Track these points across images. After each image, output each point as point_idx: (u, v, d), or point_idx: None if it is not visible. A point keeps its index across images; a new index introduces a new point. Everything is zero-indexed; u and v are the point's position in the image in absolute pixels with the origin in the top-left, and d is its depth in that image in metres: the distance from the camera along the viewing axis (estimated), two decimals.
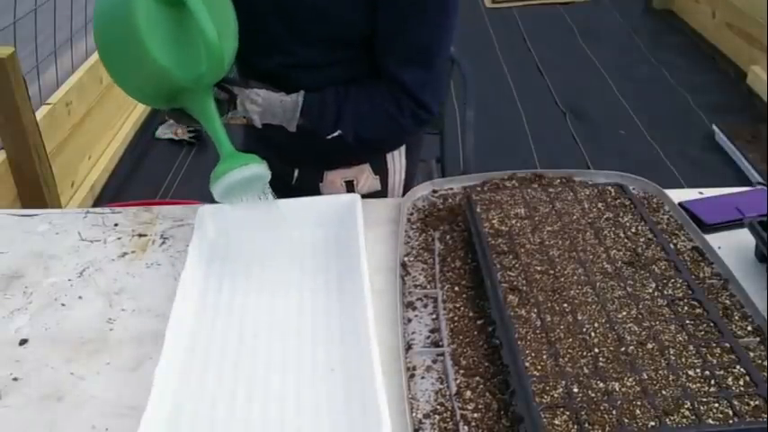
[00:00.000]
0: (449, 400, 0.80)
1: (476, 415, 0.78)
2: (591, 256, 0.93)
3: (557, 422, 0.70)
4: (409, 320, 0.92)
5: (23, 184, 2.07)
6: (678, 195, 1.12)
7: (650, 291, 0.87)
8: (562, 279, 0.89)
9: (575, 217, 1.01)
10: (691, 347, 0.78)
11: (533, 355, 0.78)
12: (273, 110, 1.11)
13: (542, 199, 1.06)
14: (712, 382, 0.74)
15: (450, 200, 1.15)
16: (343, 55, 1.13)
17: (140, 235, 1.12)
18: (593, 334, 0.80)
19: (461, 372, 0.83)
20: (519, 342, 0.80)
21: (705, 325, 0.82)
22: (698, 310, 0.84)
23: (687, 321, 0.82)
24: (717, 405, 0.71)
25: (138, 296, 0.99)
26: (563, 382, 0.74)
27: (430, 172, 1.79)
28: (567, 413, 0.71)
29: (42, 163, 2.07)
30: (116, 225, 1.14)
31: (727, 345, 0.78)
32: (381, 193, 1.32)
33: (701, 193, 1.16)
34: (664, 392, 0.73)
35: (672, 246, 0.96)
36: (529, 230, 0.99)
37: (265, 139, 1.25)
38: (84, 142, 2.60)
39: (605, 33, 4.11)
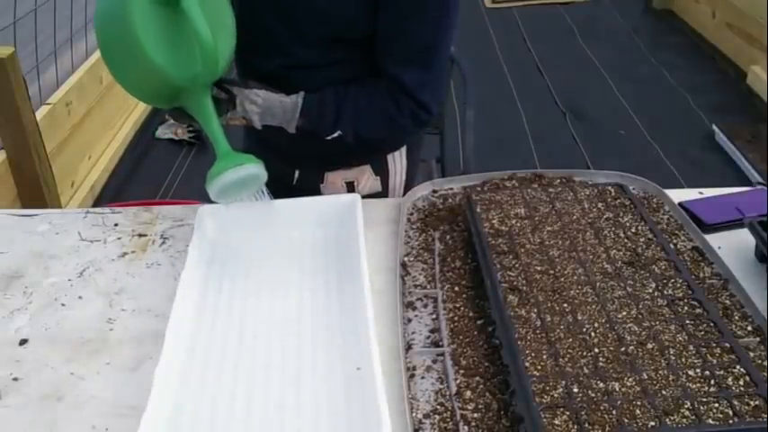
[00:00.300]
0: (449, 400, 0.80)
1: (476, 415, 0.78)
2: (591, 256, 0.93)
3: (557, 422, 0.70)
4: (409, 320, 0.92)
5: (23, 184, 2.07)
6: (678, 195, 1.12)
7: (650, 291, 0.87)
8: (562, 279, 0.89)
9: (575, 217, 1.01)
10: (691, 347, 0.78)
11: (533, 355, 0.78)
12: (273, 111, 1.11)
13: (542, 199, 1.06)
14: (712, 382, 0.74)
15: (450, 200, 1.15)
16: (342, 56, 1.13)
17: (140, 235, 1.12)
18: (593, 334, 0.80)
19: (461, 372, 0.83)
20: (519, 342, 0.80)
21: (705, 325, 0.82)
22: (698, 310, 0.84)
23: (687, 321, 0.82)
24: (717, 405, 0.71)
25: (138, 296, 0.99)
26: (563, 382, 0.74)
27: (430, 172, 1.79)
28: (567, 413, 0.71)
29: (42, 163, 2.07)
30: (116, 225, 1.14)
31: (727, 345, 0.78)
32: (382, 194, 1.32)
33: (700, 193, 1.16)
34: (664, 392, 0.73)
35: (672, 246, 0.96)
36: (529, 230, 0.99)
37: (266, 140, 1.25)
38: (84, 142, 2.60)
39: (605, 33, 4.11)
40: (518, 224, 1.00)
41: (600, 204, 1.04)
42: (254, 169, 0.97)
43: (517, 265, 0.92)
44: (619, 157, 2.86)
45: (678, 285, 0.88)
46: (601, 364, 0.76)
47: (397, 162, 1.31)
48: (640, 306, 0.84)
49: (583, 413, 0.71)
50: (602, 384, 0.74)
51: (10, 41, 2.03)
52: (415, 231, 1.08)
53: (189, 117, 1.02)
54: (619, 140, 3.03)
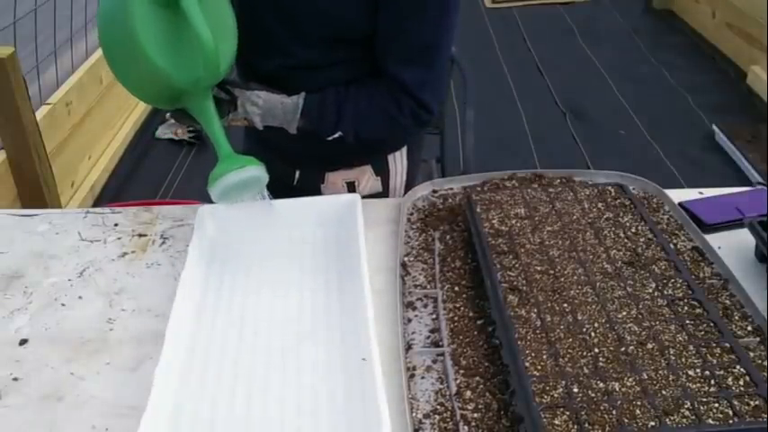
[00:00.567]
0: (449, 400, 0.80)
1: (476, 415, 0.78)
2: (591, 256, 0.93)
3: (557, 422, 0.70)
4: (409, 320, 0.92)
5: (23, 184, 2.07)
6: (678, 195, 1.12)
7: (650, 291, 0.87)
8: (562, 279, 0.89)
9: (575, 217, 1.01)
10: (691, 347, 0.78)
11: (533, 355, 0.78)
12: (274, 111, 1.11)
13: (542, 199, 1.06)
14: (712, 382, 0.74)
15: (450, 200, 1.15)
16: (343, 56, 1.13)
17: (140, 235, 1.12)
18: (593, 334, 0.80)
19: (461, 372, 0.83)
20: (519, 342, 0.80)
21: (705, 325, 0.82)
22: (698, 310, 0.84)
23: (687, 321, 0.82)
24: (717, 405, 0.71)
25: (138, 296, 0.99)
26: (563, 382, 0.74)
27: (430, 172, 1.79)
28: (567, 413, 0.71)
29: (42, 163, 2.07)
30: (116, 225, 1.14)
31: (727, 345, 0.78)
32: (383, 194, 1.32)
33: (701, 193, 1.16)
34: (664, 392, 0.73)
35: (672, 246, 0.96)
36: (529, 230, 0.99)
37: (266, 140, 1.25)
38: (84, 142, 2.60)
39: (605, 33, 4.11)
40: (518, 224, 1.00)
41: (600, 204, 1.04)
42: (256, 171, 0.98)
43: (517, 265, 0.92)
44: (619, 157, 2.86)
45: (678, 285, 0.88)
46: (601, 364, 0.76)
47: (398, 162, 1.31)
48: (640, 306, 0.84)
49: (583, 413, 0.71)
50: (602, 384, 0.74)
51: (10, 41, 2.03)
52: (415, 231, 1.08)
53: (191, 118, 1.03)
54: (619, 140, 3.03)
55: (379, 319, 0.88)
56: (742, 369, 0.75)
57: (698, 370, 0.75)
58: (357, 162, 1.28)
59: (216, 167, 0.97)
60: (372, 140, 1.19)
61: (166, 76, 0.93)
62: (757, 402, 0.71)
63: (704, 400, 0.72)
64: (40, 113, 2.23)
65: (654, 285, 0.88)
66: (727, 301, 0.87)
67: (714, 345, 0.79)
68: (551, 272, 0.90)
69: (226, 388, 0.84)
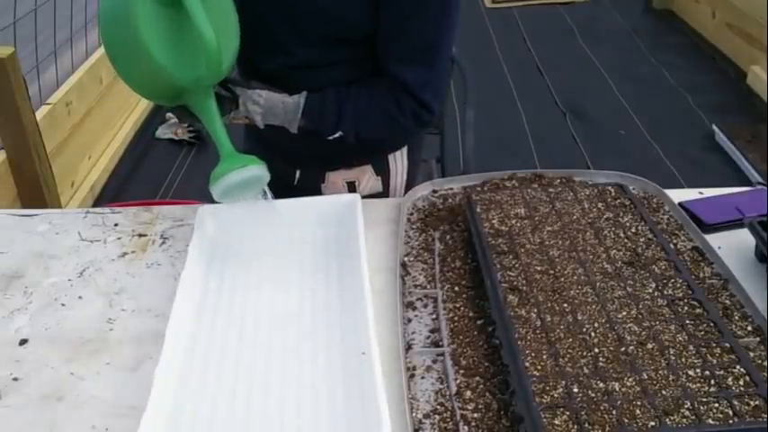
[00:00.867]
0: (449, 400, 0.80)
1: (476, 415, 0.78)
2: (591, 256, 0.93)
3: (557, 422, 0.70)
4: (409, 320, 0.92)
5: (23, 184, 2.07)
6: (678, 195, 1.12)
7: (650, 291, 0.87)
8: (562, 279, 0.89)
9: (575, 217, 1.01)
10: (691, 347, 0.78)
11: (533, 355, 0.78)
12: (275, 111, 1.11)
13: (542, 199, 1.06)
14: (712, 382, 0.74)
15: (450, 200, 1.15)
16: (344, 55, 1.13)
17: (140, 235, 1.12)
18: (593, 334, 0.80)
19: (461, 372, 0.83)
20: (519, 342, 0.80)
21: (705, 325, 0.82)
22: (698, 310, 0.84)
23: (687, 321, 0.82)
24: (717, 405, 0.71)
25: (138, 296, 0.99)
26: (563, 382, 0.74)
27: (430, 172, 1.79)
28: (567, 413, 0.71)
29: (42, 163, 2.07)
30: (116, 225, 1.14)
31: (727, 345, 0.78)
32: (383, 194, 1.32)
33: (700, 193, 1.16)
34: (664, 392, 0.73)
35: (672, 246, 0.96)
36: (529, 230, 0.99)
37: (267, 139, 1.25)
38: (84, 142, 2.60)
39: (605, 33, 4.11)
40: (518, 224, 1.00)
41: (600, 204, 1.04)
42: (258, 171, 0.98)
43: (517, 265, 0.92)
44: (619, 157, 2.86)
45: (678, 285, 0.88)
46: (601, 364, 0.76)
47: (399, 162, 1.31)
48: (640, 306, 0.84)
49: (583, 413, 0.71)
50: (602, 384, 0.74)
51: (10, 41, 2.03)
52: (415, 231, 1.08)
53: (192, 116, 1.03)
54: (619, 140, 3.03)
55: (379, 319, 0.88)
56: (742, 369, 0.75)
57: (698, 370, 0.75)
58: (357, 162, 1.28)
59: (218, 166, 0.98)
60: (373, 140, 1.19)
61: (168, 74, 0.93)
62: (757, 402, 0.71)
63: (704, 400, 0.72)
64: (40, 113, 2.23)
65: (654, 285, 0.88)
66: (727, 301, 0.87)
67: (714, 345, 0.79)
68: (551, 272, 0.90)
69: (226, 388, 0.84)
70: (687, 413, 0.70)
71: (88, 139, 2.65)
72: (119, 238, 1.11)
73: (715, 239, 0.99)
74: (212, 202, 1.03)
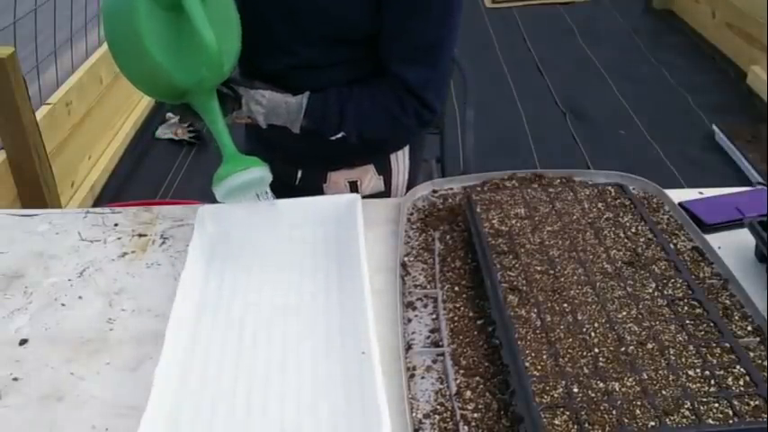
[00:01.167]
0: (449, 400, 0.80)
1: (476, 415, 0.78)
2: (591, 256, 0.93)
3: (557, 422, 0.70)
4: (409, 320, 0.92)
5: (23, 184, 2.07)
6: (678, 195, 1.12)
7: (650, 291, 0.87)
8: (562, 279, 0.89)
9: (575, 217, 1.01)
10: (691, 347, 0.78)
11: (533, 355, 0.78)
12: (278, 111, 1.11)
13: (542, 199, 1.06)
14: (712, 382, 0.74)
15: (450, 200, 1.15)
16: (346, 55, 1.13)
17: (140, 235, 1.12)
18: (593, 334, 0.80)
19: (461, 372, 0.83)
20: (519, 342, 0.80)
21: (705, 325, 0.82)
22: (698, 310, 0.84)
23: (687, 321, 0.82)
24: (717, 405, 0.71)
25: (138, 296, 0.99)
26: (563, 382, 0.74)
27: (430, 172, 1.79)
28: (567, 413, 0.71)
29: (42, 163, 2.07)
30: (116, 225, 1.14)
31: (727, 345, 0.78)
32: (385, 193, 1.32)
33: (701, 193, 1.16)
34: (664, 392, 0.73)
35: (672, 246, 0.96)
36: (529, 230, 0.99)
37: (268, 139, 1.25)
38: (84, 142, 2.60)
39: (605, 33, 4.11)
40: (518, 224, 1.00)
41: (600, 204, 1.04)
42: (260, 172, 0.99)
43: (517, 265, 0.92)
44: (619, 157, 2.86)
45: (678, 285, 0.88)
46: (601, 364, 0.76)
47: (400, 161, 1.31)
48: (640, 306, 0.84)
49: (583, 413, 0.71)
50: (602, 384, 0.74)
51: (10, 41, 2.03)
52: (415, 231, 1.08)
53: (195, 115, 1.03)
54: (619, 140, 3.03)
55: (379, 318, 0.88)
56: (742, 369, 0.75)
57: (698, 370, 0.75)
58: (359, 161, 1.28)
59: (220, 168, 0.98)
60: (375, 140, 1.19)
61: (170, 75, 0.94)
62: (757, 402, 0.71)
63: (704, 400, 0.72)
64: (40, 113, 2.22)
65: (654, 285, 0.88)
66: (727, 301, 0.87)
67: (714, 345, 0.79)
68: (551, 272, 0.90)
69: (226, 388, 0.84)
70: (687, 413, 0.70)
71: (88, 139, 2.65)
72: (119, 238, 1.11)
73: (715, 239, 0.99)
74: (212, 202, 1.03)
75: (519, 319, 0.83)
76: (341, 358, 0.86)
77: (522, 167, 1.19)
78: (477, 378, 0.82)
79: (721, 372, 0.75)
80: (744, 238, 1.01)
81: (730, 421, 0.69)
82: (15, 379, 0.87)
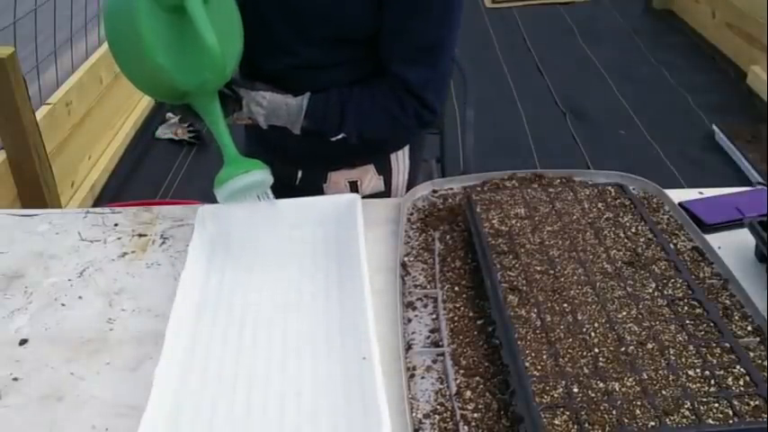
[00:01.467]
0: (449, 400, 0.80)
1: (476, 415, 0.78)
2: (591, 256, 0.93)
3: (557, 422, 0.70)
4: (409, 320, 0.92)
5: (23, 184, 2.07)
6: (678, 195, 1.12)
7: (650, 291, 0.87)
8: (562, 279, 0.89)
9: (575, 217, 1.01)
10: (691, 347, 0.78)
11: (533, 355, 0.78)
12: (278, 112, 1.11)
13: (542, 199, 1.06)
14: (712, 382, 0.74)
15: (450, 200, 1.15)
16: (347, 55, 1.13)
17: (140, 235, 1.12)
18: (593, 334, 0.80)
19: (461, 372, 0.83)
20: (519, 342, 0.80)
21: (705, 325, 0.82)
22: (698, 310, 0.84)
23: (687, 321, 0.82)
24: (717, 405, 0.71)
25: (138, 296, 0.99)
26: (563, 382, 0.74)
27: (430, 172, 1.79)
28: (567, 413, 0.71)
29: (42, 163, 2.07)
30: (116, 225, 1.14)
31: (727, 345, 0.78)
32: (385, 193, 1.32)
33: (700, 193, 1.16)
34: (664, 392, 0.73)
35: (672, 246, 0.96)
36: (529, 230, 0.99)
37: (268, 140, 1.25)
38: (84, 142, 2.60)
39: (605, 33, 4.11)
40: (518, 224, 1.00)
41: (600, 204, 1.04)
42: (262, 175, 1.00)
43: (517, 265, 0.92)
44: (619, 157, 2.86)
45: (678, 285, 0.88)
46: (601, 364, 0.76)
47: (401, 161, 1.31)
48: (640, 306, 0.84)
49: (583, 413, 0.71)
50: (602, 384, 0.74)
51: (10, 41, 2.03)
52: (415, 231, 1.08)
53: (196, 116, 1.03)
54: (619, 140, 3.03)
55: (379, 319, 0.88)
56: (742, 369, 0.75)
57: (698, 370, 0.75)
58: (360, 162, 1.28)
59: (222, 171, 0.99)
60: (375, 140, 1.19)
61: (172, 78, 0.94)
62: (757, 402, 0.71)
63: (704, 400, 0.72)
64: (40, 113, 2.23)
65: (654, 285, 0.88)
66: (727, 301, 0.86)
67: (714, 345, 0.79)
68: (551, 272, 0.90)
69: (226, 388, 0.84)
70: (687, 413, 0.70)
71: (88, 139, 2.65)
72: (119, 238, 1.11)
73: (715, 239, 0.99)
74: (212, 201, 1.03)
75: (519, 319, 0.83)
76: (341, 358, 0.86)
77: (522, 167, 1.19)
78: (477, 378, 0.82)
79: (721, 372, 0.75)
80: (744, 238, 1.01)
81: (730, 421, 0.69)
82: (15, 379, 0.87)
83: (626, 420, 0.70)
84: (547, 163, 2.81)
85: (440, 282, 0.98)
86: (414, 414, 0.78)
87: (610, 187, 1.09)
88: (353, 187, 1.29)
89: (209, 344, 0.90)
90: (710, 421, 0.69)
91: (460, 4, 1.07)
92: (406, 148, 1.31)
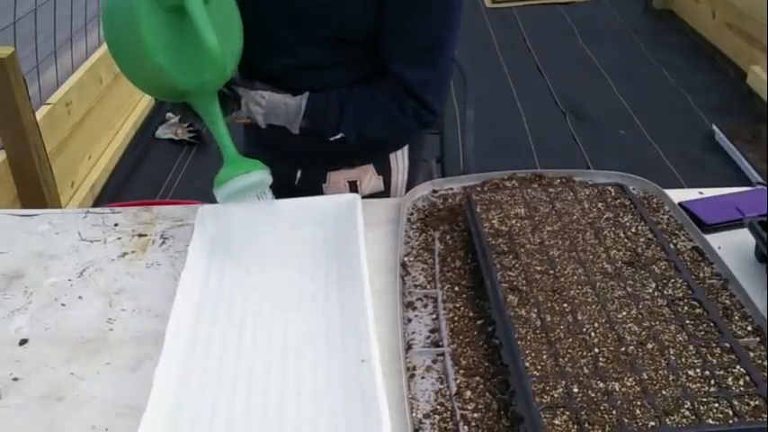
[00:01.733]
0: (449, 400, 0.80)
1: (476, 415, 0.78)
2: (591, 256, 0.93)
3: (557, 422, 0.70)
4: (409, 320, 0.92)
5: (23, 184, 2.07)
6: (678, 195, 1.12)
7: (650, 291, 0.87)
8: (562, 279, 0.89)
9: (575, 217, 1.01)
10: (691, 347, 0.78)
11: (533, 355, 0.78)
12: (277, 112, 1.11)
13: (542, 199, 1.06)
14: (712, 382, 0.74)
15: (450, 200, 1.15)
16: (348, 55, 1.12)
17: (140, 235, 1.12)
18: (593, 334, 0.80)
19: (461, 372, 0.83)
20: (519, 342, 0.80)
21: (705, 325, 0.82)
22: (698, 310, 0.84)
23: (687, 321, 0.82)
24: (717, 405, 0.71)
25: (138, 296, 0.99)
26: (563, 382, 0.74)
27: (430, 172, 1.79)
28: (567, 413, 0.71)
29: (42, 163, 2.07)
30: (116, 225, 1.14)
31: (727, 345, 0.78)
32: (384, 193, 1.32)
33: (701, 193, 1.16)
34: (664, 392, 0.73)
35: (672, 246, 0.96)
36: (529, 230, 0.99)
37: (267, 140, 1.25)
38: (84, 142, 2.60)
39: (605, 33, 4.11)
40: (518, 224, 1.00)
41: (600, 204, 1.04)
42: (261, 175, 1.00)
43: (517, 265, 0.92)
44: (619, 157, 2.86)
45: (678, 285, 0.88)
46: (601, 364, 0.76)
47: (400, 161, 1.31)
48: (640, 306, 0.84)
49: (583, 413, 0.71)
50: (602, 384, 0.74)
51: (10, 41, 2.03)
52: (415, 231, 1.08)
53: (195, 116, 1.03)
54: (619, 140, 3.03)
55: (379, 319, 0.88)
56: (742, 369, 0.75)
57: (698, 370, 0.75)
58: (359, 161, 1.28)
59: (221, 171, 0.99)
60: (375, 140, 1.19)
61: (171, 78, 0.94)
62: (757, 402, 0.71)
63: (704, 400, 0.72)
64: (40, 113, 2.23)
65: (654, 285, 0.88)
66: (727, 301, 0.86)
67: (714, 345, 0.79)
68: (551, 272, 0.90)
69: (226, 388, 0.84)
70: (687, 413, 0.70)
71: (88, 139, 2.65)
72: (119, 238, 1.11)
73: (715, 239, 0.99)
74: (212, 201, 1.03)
75: (519, 319, 0.83)
76: (341, 358, 0.86)
77: (522, 167, 1.19)
78: (477, 378, 0.82)
79: (721, 372, 0.75)
80: (744, 238, 1.01)
81: (730, 421, 0.69)
82: (15, 379, 0.87)
83: (626, 420, 0.70)
84: (547, 163, 2.81)
85: (440, 282, 0.98)
86: (414, 414, 0.78)
87: (610, 187, 1.09)
88: (353, 187, 1.29)
89: (209, 344, 0.90)
90: (710, 421, 0.69)
91: (460, 4, 1.07)
92: (406, 148, 1.31)
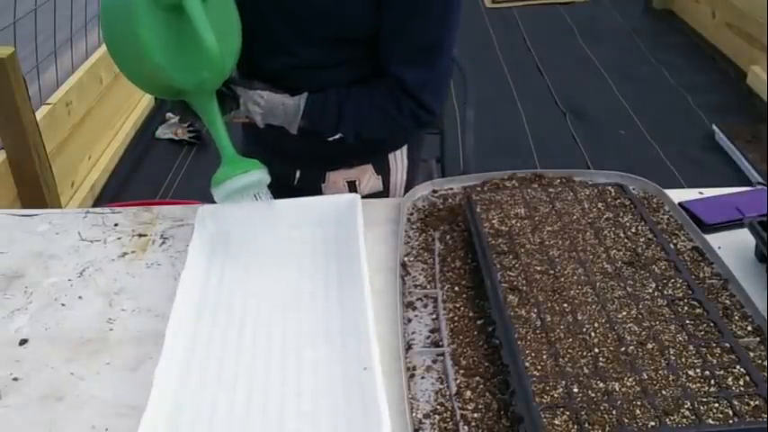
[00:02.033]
0: (449, 400, 0.80)
1: (476, 415, 0.78)
2: (591, 256, 0.93)
3: (557, 422, 0.70)
4: (409, 320, 0.92)
5: (23, 184, 2.07)
6: (678, 195, 1.12)
7: (650, 291, 0.87)
8: (562, 279, 0.89)
9: (575, 217, 1.01)
10: (691, 347, 0.78)
11: (533, 355, 0.78)
12: (275, 112, 1.11)
13: (542, 199, 1.06)
14: (712, 382, 0.74)
15: (450, 200, 1.15)
16: (347, 55, 1.12)
17: (140, 235, 1.12)
18: (593, 334, 0.80)
19: (461, 372, 0.83)
20: (519, 342, 0.80)
21: (705, 325, 0.82)
22: (698, 310, 0.84)
23: (687, 321, 0.82)
24: (717, 405, 0.71)
25: (138, 296, 0.99)
26: (563, 382, 0.74)
27: (430, 172, 1.79)
28: (567, 413, 0.71)
29: (42, 163, 2.07)
30: (116, 225, 1.14)
31: (727, 345, 0.78)
32: (383, 193, 1.32)
33: (701, 193, 1.16)
34: (664, 392, 0.73)
35: (672, 246, 0.96)
36: (529, 230, 0.99)
37: (266, 140, 1.25)
38: (84, 142, 2.60)
39: (605, 33, 4.11)
40: (518, 224, 1.00)
41: (600, 204, 1.04)
42: (259, 175, 1.00)
43: (517, 265, 0.92)
44: (619, 157, 2.86)
45: (678, 285, 0.88)
46: (601, 364, 0.76)
47: (399, 161, 1.31)
48: (640, 306, 0.84)
49: (583, 413, 0.71)
50: (602, 384, 0.74)
51: (10, 41, 2.03)
52: (415, 231, 1.08)
53: (194, 115, 1.03)
54: (619, 140, 3.03)
55: (379, 319, 0.88)
56: (742, 369, 0.75)
57: (698, 370, 0.75)
58: (358, 161, 1.28)
59: (219, 170, 0.99)
60: (373, 140, 1.19)
61: (170, 77, 0.94)
62: (757, 402, 0.71)
63: (704, 400, 0.72)
64: (40, 113, 2.23)
65: (654, 285, 0.88)
66: (727, 301, 0.86)
67: (714, 345, 0.79)
68: (551, 272, 0.90)
69: (226, 388, 0.84)
70: (687, 413, 0.70)
71: (88, 139, 2.65)
72: (119, 238, 1.11)
73: (715, 239, 0.99)
74: (212, 201, 1.03)
75: (519, 319, 0.83)
76: (341, 359, 0.86)
77: (522, 167, 1.19)
78: (477, 378, 0.82)
79: (721, 372, 0.75)
80: (744, 238, 1.01)
81: (730, 421, 0.69)
82: (15, 379, 0.87)
83: (626, 420, 0.70)
84: (547, 163, 2.81)
85: (440, 282, 0.98)
86: (414, 414, 0.78)
87: (610, 187, 1.09)
88: (352, 187, 1.29)
89: (208, 344, 0.90)
90: (710, 421, 0.69)
91: (460, 4, 1.07)
92: (405, 148, 1.31)
